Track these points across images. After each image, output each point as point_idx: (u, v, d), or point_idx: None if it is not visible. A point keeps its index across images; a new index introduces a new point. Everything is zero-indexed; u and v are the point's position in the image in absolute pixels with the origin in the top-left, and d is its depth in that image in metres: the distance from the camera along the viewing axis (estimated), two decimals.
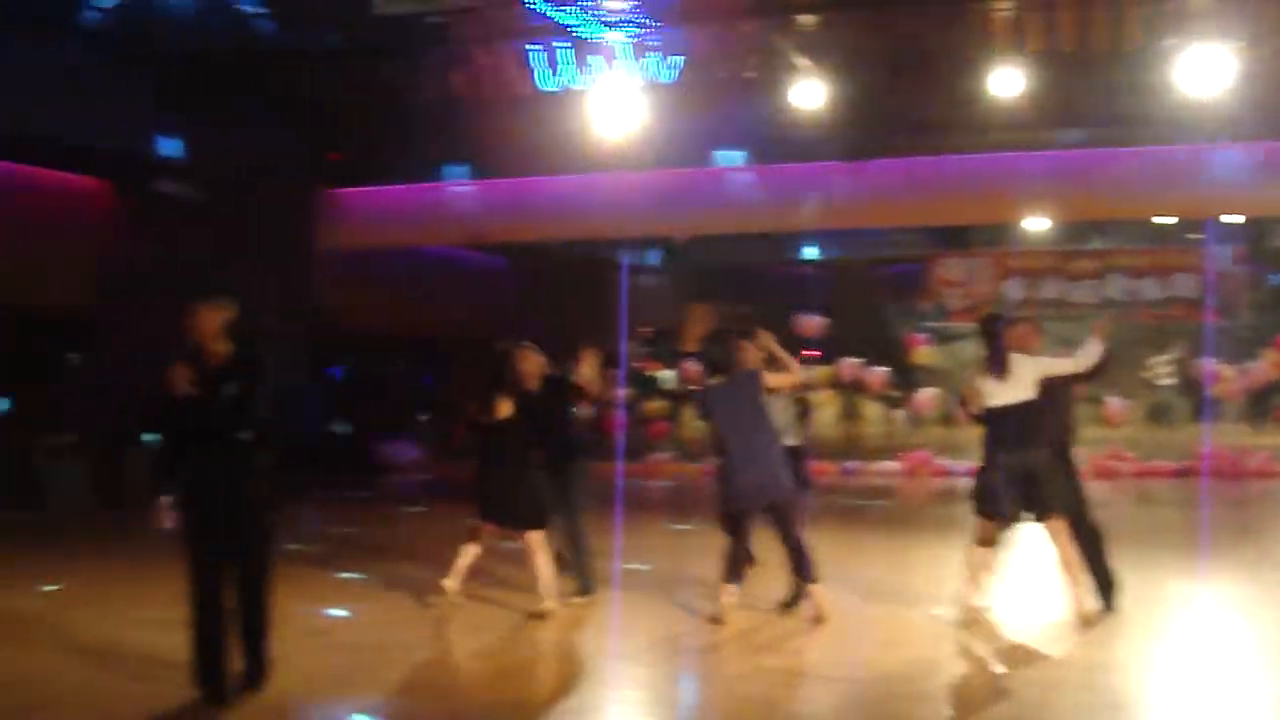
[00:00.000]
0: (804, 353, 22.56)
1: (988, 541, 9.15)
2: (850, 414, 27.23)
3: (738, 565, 9.45)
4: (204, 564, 7.25)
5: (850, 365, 22.89)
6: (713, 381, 9.55)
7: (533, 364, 10.05)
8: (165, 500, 7.21)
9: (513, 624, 9.50)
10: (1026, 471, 8.84)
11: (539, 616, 9.56)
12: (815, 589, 9.30)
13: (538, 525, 9.71)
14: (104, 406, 17.98)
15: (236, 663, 7.34)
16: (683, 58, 18.07)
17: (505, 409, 9.70)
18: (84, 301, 20.01)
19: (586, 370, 10.20)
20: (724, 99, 18.87)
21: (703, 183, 21.99)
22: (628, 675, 8.29)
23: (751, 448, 9.22)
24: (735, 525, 9.41)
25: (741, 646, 8.91)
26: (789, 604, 9.62)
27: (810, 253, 33.45)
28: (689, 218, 22.73)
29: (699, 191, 21.91)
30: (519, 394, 9.76)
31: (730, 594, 9.36)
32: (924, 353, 24.95)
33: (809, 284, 31.15)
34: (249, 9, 17.03)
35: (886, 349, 24.89)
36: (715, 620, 9.28)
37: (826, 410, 25.60)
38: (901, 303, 29.36)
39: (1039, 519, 8.97)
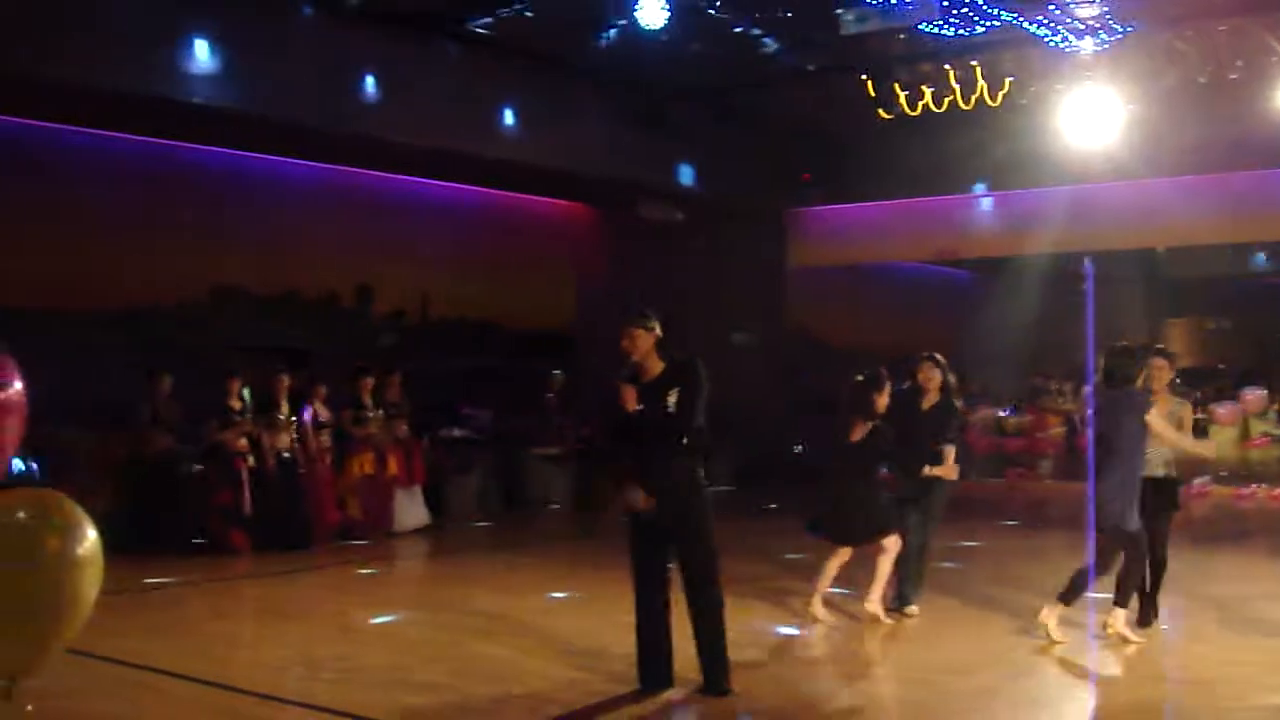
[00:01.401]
0: None
1: None
2: None
3: (1078, 585, 9.41)
4: (647, 569, 7.78)
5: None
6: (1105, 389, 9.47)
7: (928, 379, 10.60)
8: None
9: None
10: None
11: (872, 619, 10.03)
12: (1119, 613, 9.35)
13: (880, 535, 10.04)
14: (579, 421, 19.12)
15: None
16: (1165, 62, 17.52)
17: (858, 432, 10.05)
18: (568, 321, 21.34)
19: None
20: (1208, 103, 18.13)
21: (1182, 190, 21.17)
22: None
23: (1101, 465, 9.24)
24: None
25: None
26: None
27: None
28: (1167, 228, 21.97)
29: (1177, 199, 21.10)
30: (872, 417, 10.06)
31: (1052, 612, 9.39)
32: None
33: None
34: (742, 33, 17.57)
35: None
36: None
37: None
38: None
39: None
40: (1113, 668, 8.83)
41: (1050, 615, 9.35)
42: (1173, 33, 17.29)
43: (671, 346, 7.86)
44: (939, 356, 10.72)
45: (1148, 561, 9.55)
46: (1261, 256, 31.26)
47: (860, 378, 10.19)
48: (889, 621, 10.12)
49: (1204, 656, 9.11)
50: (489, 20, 17.25)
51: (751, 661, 8.58)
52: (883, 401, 10.10)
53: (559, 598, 11.71)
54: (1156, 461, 9.63)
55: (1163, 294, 29.41)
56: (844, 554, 10.23)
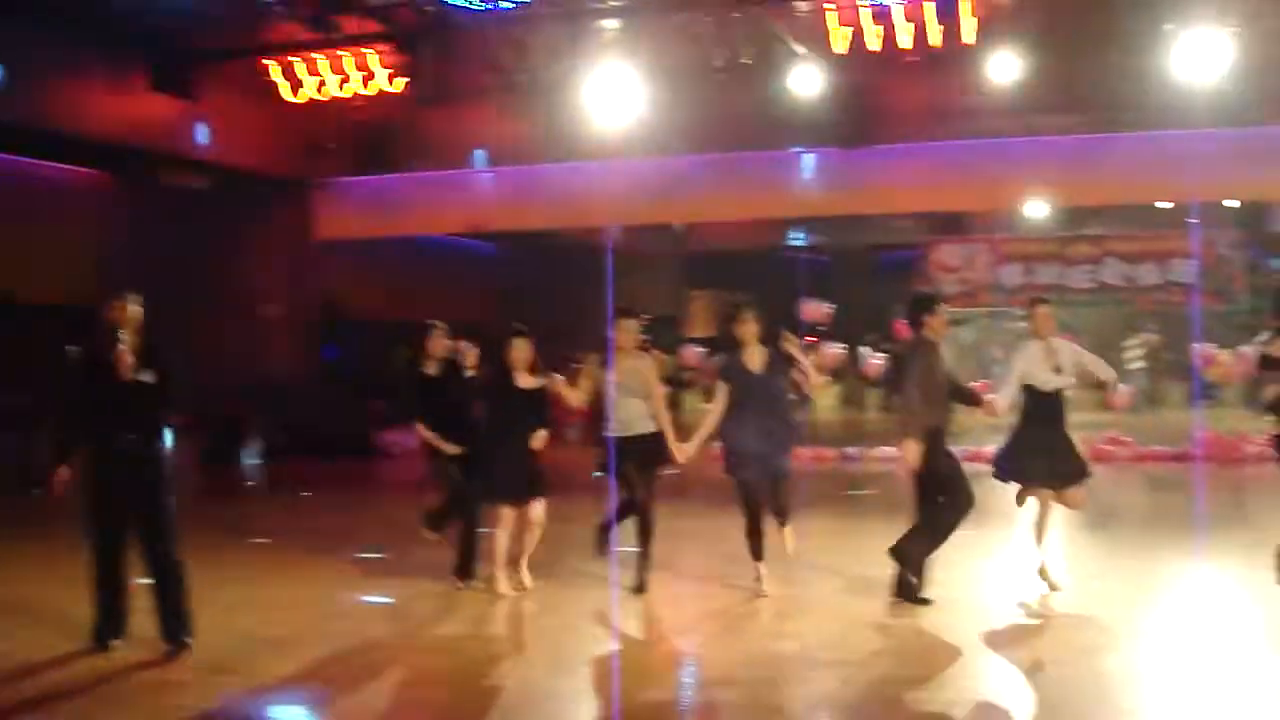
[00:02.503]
0: (806, 339, 22.62)
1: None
2: (852, 400, 27.36)
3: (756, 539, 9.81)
4: (107, 533, 8.19)
5: (845, 351, 22.85)
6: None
7: (438, 346, 10.66)
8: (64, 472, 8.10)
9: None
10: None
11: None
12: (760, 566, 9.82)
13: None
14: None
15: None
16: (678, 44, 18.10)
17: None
18: (89, 294, 20.06)
19: (571, 385, 10.33)
20: (721, 86, 18.86)
21: (700, 169, 21.98)
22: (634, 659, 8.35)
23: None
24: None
25: (734, 630, 9.07)
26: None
27: (809, 239, 33.39)
28: (687, 205, 22.76)
29: (696, 178, 21.91)
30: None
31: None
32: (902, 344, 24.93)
33: (808, 270, 31.18)
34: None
35: (888, 335, 24.89)
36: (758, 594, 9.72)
37: (827, 397, 25.72)
38: (900, 288, 29.44)
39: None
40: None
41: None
42: (689, 16, 17.90)
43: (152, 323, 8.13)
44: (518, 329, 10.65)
45: (639, 515, 9.87)
46: (785, 232, 33.12)
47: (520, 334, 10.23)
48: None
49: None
50: None
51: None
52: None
53: None
54: (634, 418, 9.92)
55: (686, 268, 30.50)
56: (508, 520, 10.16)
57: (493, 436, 10.20)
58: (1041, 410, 9.79)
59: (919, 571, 9.36)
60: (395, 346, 10.84)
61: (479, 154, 22.21)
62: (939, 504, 9.28)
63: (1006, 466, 9.95)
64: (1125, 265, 28.30)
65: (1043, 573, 9.88)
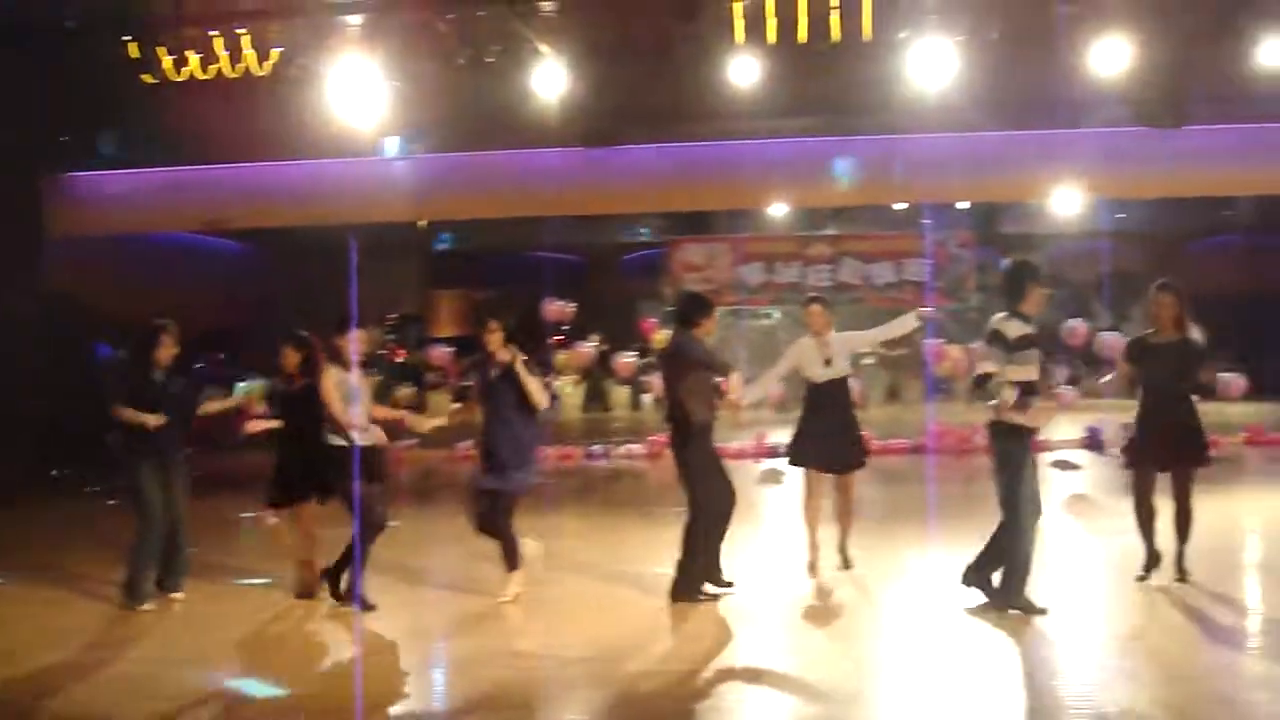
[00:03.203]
0: (553, 338, 22.71)
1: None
2: (597, 398, 27.55)
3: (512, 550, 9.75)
4: None
5: (593, 350, 22.96)
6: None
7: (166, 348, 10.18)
8: None
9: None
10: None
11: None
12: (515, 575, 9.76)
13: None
14: None
15: None
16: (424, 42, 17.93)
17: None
18: None
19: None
20: (465, 84, 18.72)
21: (445, 167, 21.83)
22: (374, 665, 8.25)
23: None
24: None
25: (466, 630, 9.03)
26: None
27: (557, 238, 33.48)
28: (431, 203, 22.56)
29: (441, 176, 21.74)
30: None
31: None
32: (660, 337, 25.26)
33: (555, 269, 31.28)
34: None
35: (634, 333, 25.12)
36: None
37: (575, 394, 25.86)
38: (646, 287, 29.78)
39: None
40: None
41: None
42: (433, 13, 17.74)
43: None
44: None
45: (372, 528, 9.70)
46: (530, 231, 33.15)
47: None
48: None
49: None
50: None
51: None
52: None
53: None
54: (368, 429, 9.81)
55: (431, 267, 30.27)
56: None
57: (285, 440, 10.07)
58: (819, 400, 10.33)
59: (706, 570, 9.58)
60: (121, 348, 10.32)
61: (220, 149, 21.59)
62: (710, 498, 9.46)
63: (788, 452, 10.54)
64: (861, 265, 29.17)
65: (812, 566, 10.26)
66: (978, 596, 8.98)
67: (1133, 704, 6.95)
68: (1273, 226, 30.93)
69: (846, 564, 10.54)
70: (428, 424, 10.60)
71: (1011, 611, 8.72)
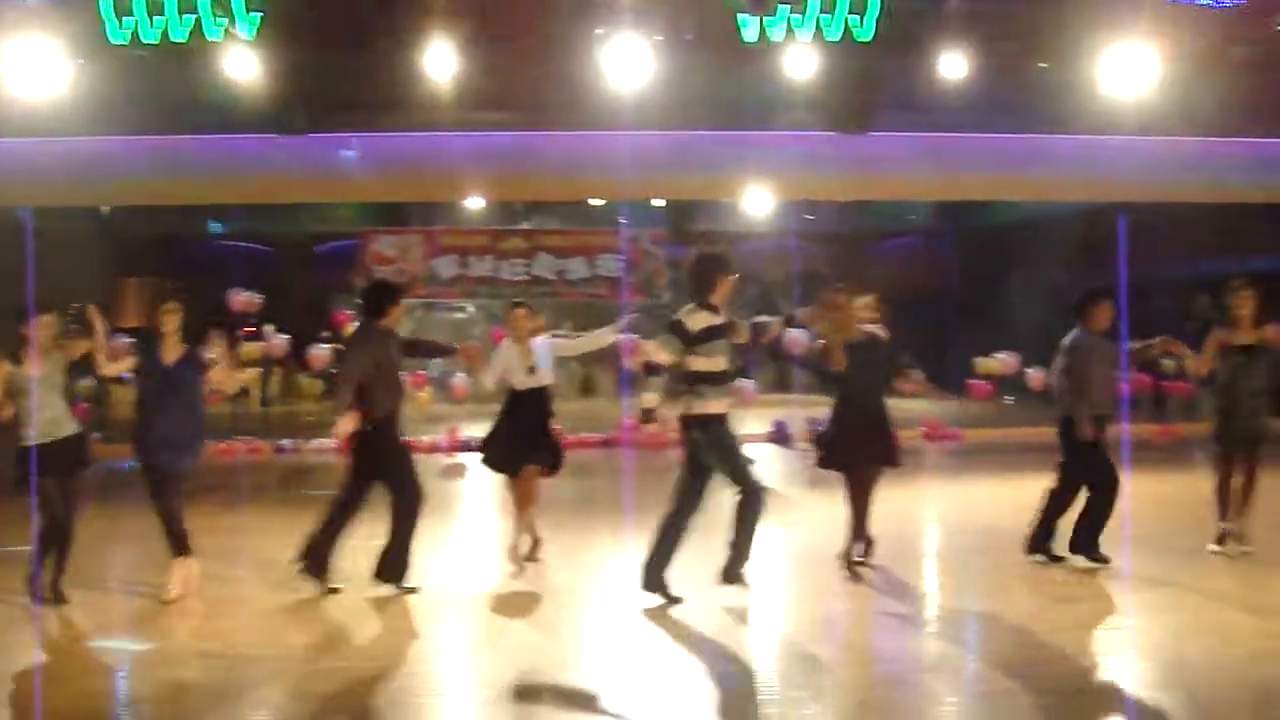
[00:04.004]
0: (244, 330, 22.12)
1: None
2: (288, 392, 27.00)
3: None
4: None
5: (281, 343, 22.39)
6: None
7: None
8: None
9: None
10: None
11: None
12: (179, 563, 9.49)
13: None
14: None
15: None
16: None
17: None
18: None
19: None
20: (153, 67, 18.06)
21: (130, 151, 20.97)
22: None
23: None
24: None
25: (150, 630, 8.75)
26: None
27: (248, 227, 32.66)
28: (116, 188, 21.66)
29: (126, 160, 20.88)
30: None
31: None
32: (352, 329, 24.89)
33: (245, 259, 30.52)
34: None
35: (326, 325, 24.69)
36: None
37: (268, 387, 25.29)
38: (338, 279, 29.35)
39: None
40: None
41: None
42: None
43: None
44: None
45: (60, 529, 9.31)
46: (212, 221, 32.29)
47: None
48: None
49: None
50: None
51: None
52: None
53: None
54: (59, 419, 9.37)
55: (115, 254, 29.09)
56: None
57: None
58: (517, 406, 10.42)
59: (322, 564, 9.48)
60: None
61: None
62: (396, 495, 9.38)
63: (482, 451, 10.66)
64: (556, 260, 29.36)
65: (513, 551, 10.32)
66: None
67: (819, 687, 7.18)
68: (951, 230, 32.58)
69: (520, 562, 10.49)
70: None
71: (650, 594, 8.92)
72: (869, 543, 10.18)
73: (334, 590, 9.40)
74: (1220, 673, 7.32)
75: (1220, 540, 10.54)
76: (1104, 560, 10.04)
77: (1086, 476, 10.04)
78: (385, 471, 9.38)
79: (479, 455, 10.74)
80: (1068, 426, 10.03)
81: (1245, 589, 9.48)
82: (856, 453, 9.94)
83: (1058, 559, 10.21)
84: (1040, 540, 10.29)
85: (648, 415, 9.09)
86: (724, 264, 9.11)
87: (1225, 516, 10.52)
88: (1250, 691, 7.08)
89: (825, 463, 10.17)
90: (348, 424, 9.12)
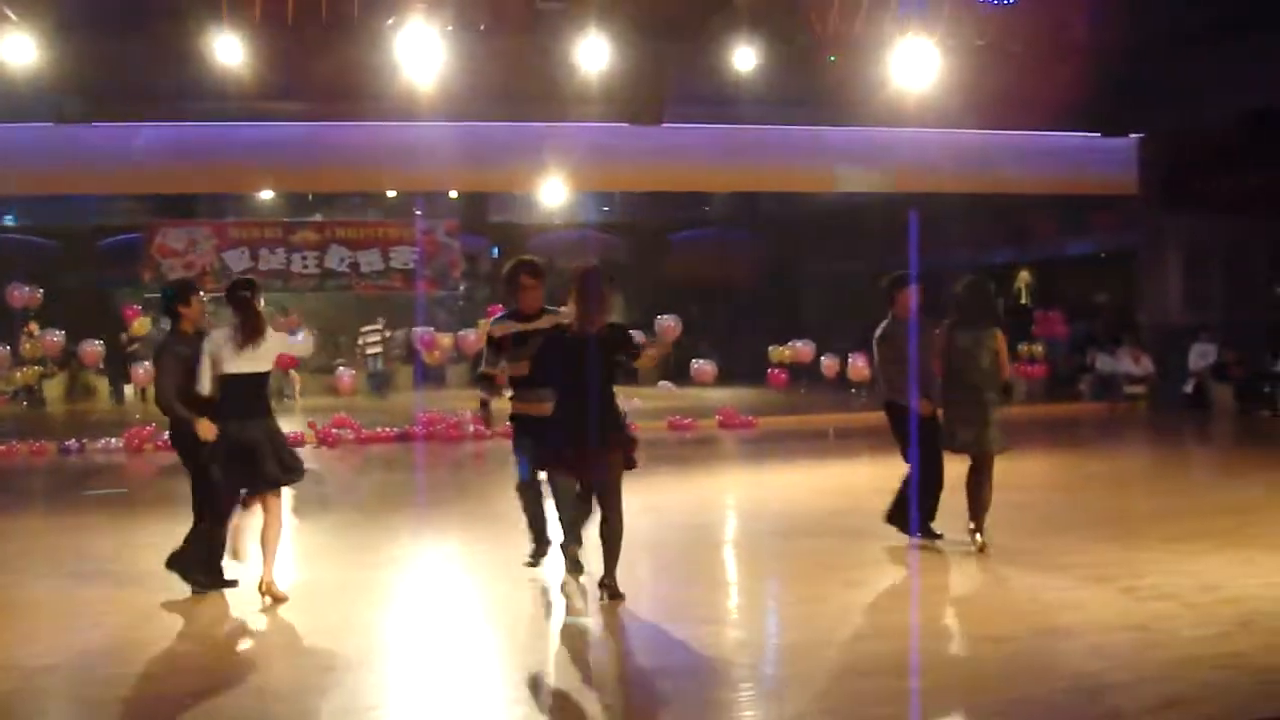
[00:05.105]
0: (28, 326, 21.42)
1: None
2: (75, 390, 26.17)
3: None
4: None
5: (59, 338, 21.70)
6: None
7: None
8: None
9: None
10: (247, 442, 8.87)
11: None
12: None
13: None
14: None
15: None
16: None
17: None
18: None
19: None
20: None
21: None
22: None
23: None
24: None
25: None
26: None
27: (28, 219, 31.62)
28: None
29: None
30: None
31: None
32: (140, 324, 24.28)
33: (25, 252, 29.51)
34: None
35: (108, 321, 24.02)
36: None
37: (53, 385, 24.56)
38: (122, 272, 28.58)
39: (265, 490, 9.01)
40: None
41: None
42: None
43: None
44: None
45: None
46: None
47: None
48: None
49: None
50: None
51: None
52: None
53: None
54: None
55: None
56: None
57: None
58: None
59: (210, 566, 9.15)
60: None
61: None
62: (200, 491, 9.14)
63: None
64: (349, 252, 28.95)
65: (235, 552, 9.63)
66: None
67: (602, 677, 7.19)
68: (744, 221, 33.04)
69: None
70: None
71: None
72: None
73: (231, 584, 9.09)
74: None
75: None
76: (937, 536, 10.19)
77: (923, 452, 10.13)
78: (197, 467, 9.11)
79: None
80: (897, 412, 10.17)
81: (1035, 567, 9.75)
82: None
83: (937, 536, 10.28)
84: (919, 522, 10.30)
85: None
86: (516, 272, 9.05)
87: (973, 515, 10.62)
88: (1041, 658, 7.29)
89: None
90: (206, 427, 8.80)
